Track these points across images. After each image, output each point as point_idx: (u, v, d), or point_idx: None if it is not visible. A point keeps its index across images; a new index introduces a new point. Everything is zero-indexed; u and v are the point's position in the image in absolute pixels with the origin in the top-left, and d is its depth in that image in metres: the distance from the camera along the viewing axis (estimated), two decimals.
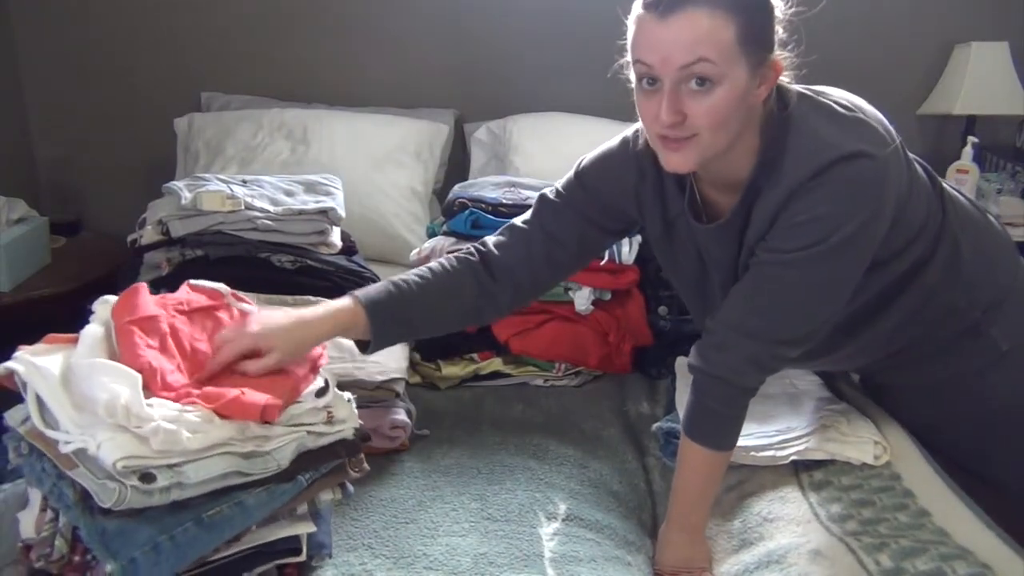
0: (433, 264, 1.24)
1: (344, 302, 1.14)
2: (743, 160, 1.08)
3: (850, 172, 1.01)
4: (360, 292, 1.16)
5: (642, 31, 0.99)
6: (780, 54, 1.04)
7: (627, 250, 1.65)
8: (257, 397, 0.95)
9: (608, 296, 1.68)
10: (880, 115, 1.09)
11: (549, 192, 1.28)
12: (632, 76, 1.04)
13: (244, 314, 1.13)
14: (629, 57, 1.03)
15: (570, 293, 1.64)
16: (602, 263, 1.62)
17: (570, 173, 1.27)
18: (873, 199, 1.03)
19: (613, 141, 1.24)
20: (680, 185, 1.18)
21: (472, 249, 1.26)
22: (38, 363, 0.93)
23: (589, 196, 1.24)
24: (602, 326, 1.65)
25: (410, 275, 1.21)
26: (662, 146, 1.04)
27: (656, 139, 1.05)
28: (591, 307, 1.64)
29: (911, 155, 1.15)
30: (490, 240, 1.28)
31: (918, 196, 1.13)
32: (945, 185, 1.22)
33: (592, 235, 1.27)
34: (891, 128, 1.08)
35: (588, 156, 1.26)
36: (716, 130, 1.01)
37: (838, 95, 1.09)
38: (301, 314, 1.10)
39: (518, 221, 1.28)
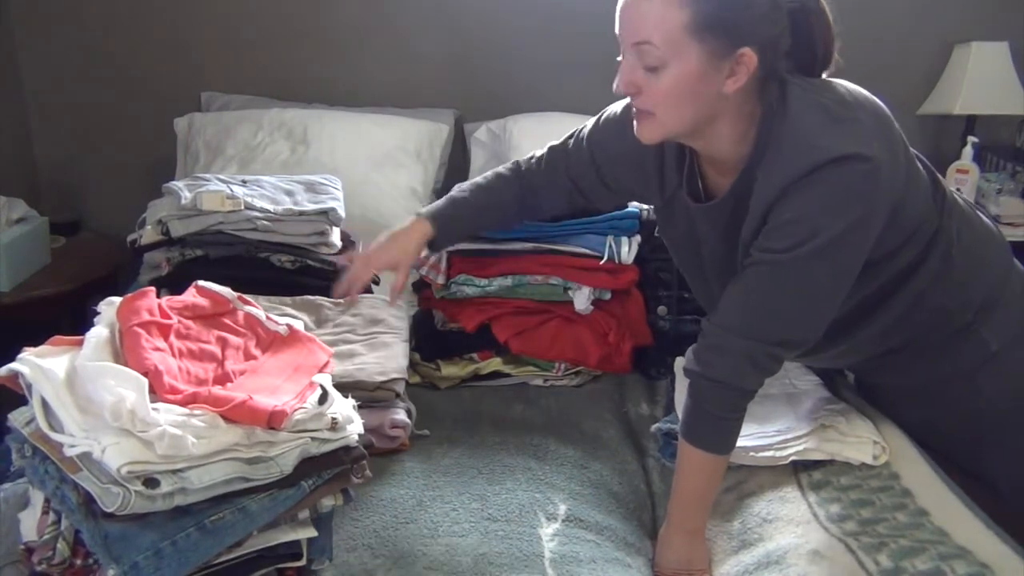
0: (481, 180, 1.44)
1: (414, 219, 1.39)
2: (730, 145, 1.09)
3: (840, 175, 1.00)
4: (424, 210, 1.41)
5: (620, 3, 1.03)
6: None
7: (627, 250, 1.64)
8: (265, 402, 0.94)
9: (608, 296, 1.67)
10: (885, 112, 1.07)
11: (567, 143, 1.38)
12: None
13: (250, 318, 1.13)
14: None
15: (570, 293, 1.64)
16: (602, 263, 1.62)
17: (582, 134, 1.35)
18: (863, 202, 1.02)
19: (617, 108, 1.28)
20: (679, 160, 1.18)
21: (513, 170, 1.43)
22: (43, 365, 0.93)
23: (595, 165, 1.32)
24: (602, 326, 1.65)
25: (463, 187, 1.43)
26: (635, 114, 1.09)
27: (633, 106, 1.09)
28: (591, 307, 1.64)
29: (915, 153, 1.13)
30: (525, 164, 1.43)
31: (916, 197, 1.12)
32: (946, 186, 1.21)
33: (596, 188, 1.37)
34: (894, 127, 1.06)
35: (593, 123, 1.33)
36: (669, 110, 1.04)
37: (843, 90, 1.07)
38: (394, 231, 1.38)
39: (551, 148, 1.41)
